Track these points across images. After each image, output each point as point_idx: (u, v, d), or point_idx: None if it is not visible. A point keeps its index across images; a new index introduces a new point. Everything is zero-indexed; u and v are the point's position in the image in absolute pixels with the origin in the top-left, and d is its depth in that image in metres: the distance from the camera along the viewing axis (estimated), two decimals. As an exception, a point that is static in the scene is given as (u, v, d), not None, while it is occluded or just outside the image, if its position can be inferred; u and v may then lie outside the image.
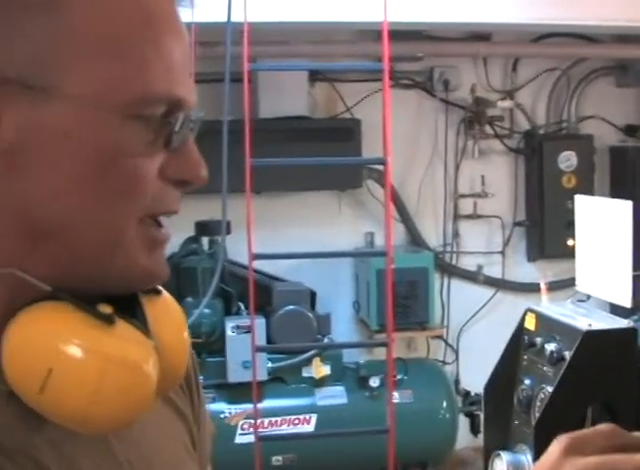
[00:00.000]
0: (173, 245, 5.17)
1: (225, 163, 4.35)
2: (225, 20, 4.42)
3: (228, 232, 5.15)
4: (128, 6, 0.86)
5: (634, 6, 5.39)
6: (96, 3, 0.85)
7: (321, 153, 5.18)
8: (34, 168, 0.85)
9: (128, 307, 0.92)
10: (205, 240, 5.48)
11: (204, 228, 5.38)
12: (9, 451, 0.87)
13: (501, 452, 3.05)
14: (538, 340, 2.99)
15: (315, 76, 5.90)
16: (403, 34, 5.59)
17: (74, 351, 0.85)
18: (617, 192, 6.42)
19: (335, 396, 5.30)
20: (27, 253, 0.88)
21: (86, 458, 0.94)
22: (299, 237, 5.72)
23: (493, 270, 6.37)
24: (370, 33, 5.33)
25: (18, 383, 0.87)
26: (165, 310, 0.98)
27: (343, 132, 5.74)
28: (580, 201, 3.04)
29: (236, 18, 4.41)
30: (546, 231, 6.11)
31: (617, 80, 6.59)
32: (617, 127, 6.59)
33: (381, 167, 5.01)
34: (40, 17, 0.83)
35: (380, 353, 4.97)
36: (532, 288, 5.31)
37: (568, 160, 6.25)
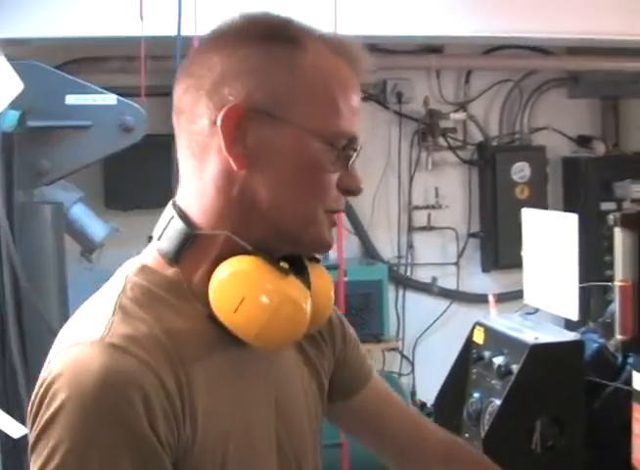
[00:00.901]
0: (128, 260, 5.13)
1: (175, 177, 4.32)
2: (175, 34, 4.41)
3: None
4: (332, 73, 1.39)
5: (585, 18, 5.44)
6: (316, 71, 1.37)
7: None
8: (264, 168, 1.36)
9: (298, 267, 1.42)
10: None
11: (157, 243, 5.35)
12: (187, 360, 1.31)
13: (451, 466, 3.04)
14: (486, 353, 2.98)
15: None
16: (355, 47, 5.60)
17: (261, 288, 1.32)
18: (569, 202, 6.47)
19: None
20: (244, 223, 1.37)
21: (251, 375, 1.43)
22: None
23: (448, 282, 6.38)
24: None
25: (219, 305, 1.34)
26: (320, 274, 1.47)
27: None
28: (527, 214, 3.05)
29: (186, 32, 4.40)
30: (500, 242, 6.13)
31: (568, 92, 6.64)
32: (570, 138, 6.64)
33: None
34: (285, 73, 1.36)
35: (334, 366, 4.95)
36: (487, 299, 5.31)
37: (521, 171, 6.28)
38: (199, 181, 1.41)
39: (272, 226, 1.38)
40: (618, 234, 2.15)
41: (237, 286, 1.33)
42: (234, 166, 1.35)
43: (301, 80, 1.36)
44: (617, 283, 2.17)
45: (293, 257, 1.44)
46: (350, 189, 1.41)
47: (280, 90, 1.35)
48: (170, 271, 1.40)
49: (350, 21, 4.98)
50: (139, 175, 5.33)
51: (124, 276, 1.42)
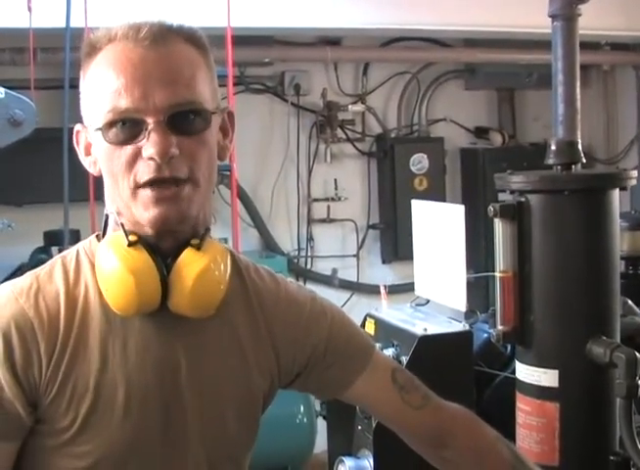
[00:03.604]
0: (23, 256, 5.05)
1: (66, 170, 4.25)
2: (64, 25, 4.33)
3: (77, 241, 5.03)
4: (97, 68, 1.50)
5: (481, 10, 5.49)
6: (91, 74, 1.51)
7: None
8: (101, 169, 1.52)
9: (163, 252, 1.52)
10: (54, 250, 5.35)
11: (52, 238, 5.25)
12: (82, 323, 1.50)
13: (344, 458, 3.05)
14: (377, 345, 2.99)
15: (165, 82, 5.82)
16: (253, 39, 5.57)
17: (108, 264, 1.48)
18: (468, 193, 6.54)
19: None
20: (117, 212, 1.53)
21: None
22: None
23: (348, 273, 6.40)
24: (217, 39, 5.28)
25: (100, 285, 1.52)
26: (192, 261, 1.50)
27: (195, 138, 5.68)
28: (417, 205, 3.06)
29: (76, 23, 4.33)
30: (399, 233, 6.15)
31: (465, 83, 6.72)
32: (467, 129, 6.71)
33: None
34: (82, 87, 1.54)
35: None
36: (388, 290, 5.35)
37: (419, 162, 6.33)
38: None
39: (121, 213, 1.52)
40: (498, 225, 2.17)
41: (99, 264, 1.51)
42: (94, 173, 1.56)
43: (83, 88, 1.54)
44: (498, 274, 2.19)
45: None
46: (146, 155, 1.45)
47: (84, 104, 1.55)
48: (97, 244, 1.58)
49: (247, 13, 4.95)
50: (30, 170, 5.24)
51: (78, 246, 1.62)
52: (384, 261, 6.49)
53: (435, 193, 6.04)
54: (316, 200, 6.31)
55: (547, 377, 2.22)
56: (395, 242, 6.26)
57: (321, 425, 5.53)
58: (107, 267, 1.48)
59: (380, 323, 3.10)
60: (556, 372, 2.21)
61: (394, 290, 4.82)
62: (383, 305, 3.25)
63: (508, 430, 2.50)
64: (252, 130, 5.97)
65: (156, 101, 1.44)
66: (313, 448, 5.53)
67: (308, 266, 6.33)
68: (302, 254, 6.30)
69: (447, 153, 6.55)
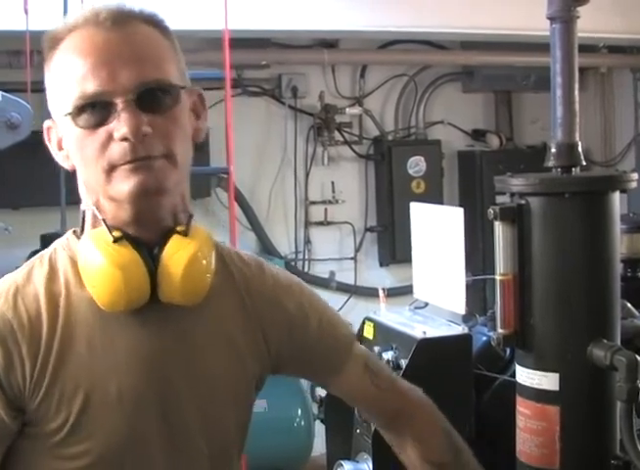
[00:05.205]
0: (19, 258, 5.01)
1: (63, 173, 4.24)
2: (61, 28, 4.32)
3: (74, 244, 5.04)
4: (62, 55, 1.48)
5: (478, 13, 5.49)
6: (56, 64, 1.48)
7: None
8: (73, 159, 1.51)
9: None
10: (51, 253, 5.34)
11: (49, 241, 5.21)
12: (67, 319, 1.48)
13: (342, 462, 3.03)
14: (376, 349, 2.98)
15: (162, 85, 5.82)
16: (250, 42, 5.57)
17: (93, 259, 1.46)
18: (465, 196, 6.54)
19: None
20: (94, 204, 1.53)
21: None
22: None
23: (346, 276, 6.40)
24: (215, 41, 5.27)
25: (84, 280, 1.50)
26: (179, 248, 1.49)
27: (191, 141, 5.68)
28: (416, 208, 3.05)
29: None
30: (397, 236, 6.16)
31: (463, 86, 6.72)
32: (465, 132, 6.71)
33: (228, 176, 4.97)
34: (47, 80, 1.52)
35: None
36: (386, 293, 5.34)
37: (416, 165, 6.33)
38: None
39: (97, 201, 1.52)
40: (498, 228, 2.16)
41: (85, 261, 1.48)
42: (67, 168, 1.55)
43: (49, 81, 1.52)
44: (498, 277, 2.17)
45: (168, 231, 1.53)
46: (119, 136, 1.43)
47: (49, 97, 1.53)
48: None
49: (244, 15, 4.95)
50: (27, 173, 5.22)
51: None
52: (381, 264, 6.49)
53: (433, 196, 6.04)
54: (314, 203, 6.31)
55: (548, 380, 2.21)
56: (393, 245, 6.26)
57: (319, 428, 5.53)
58: (93, 265, 1.46)
59: (378, 326, 3.08)
60: (556, 375, 2.20)
61: (392, 293, 4.79)
62: (381, 307, 3.23)
63: (508, 433, 2.50)
64: (250, 133, 5.96)
65: (123, 81, 1.43)
66: (311, 452, 5.53)
67: (306, 269, 6.33)
68: (300, 256, 6.31)
69: (445, 155, 6.55)
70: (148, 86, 1.45)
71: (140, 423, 1.50)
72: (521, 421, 2.33)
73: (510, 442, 2.44)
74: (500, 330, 2.21)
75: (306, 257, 6.33)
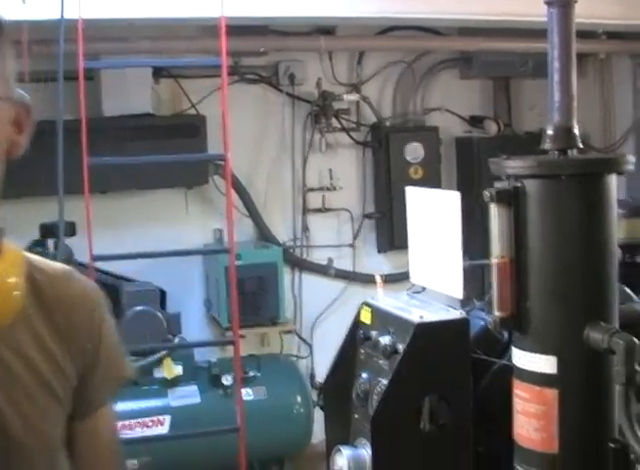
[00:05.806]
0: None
1: (61, 163, 4.24)
2: (58, 16, 4.31)
3: (73, 233, 5.05)
4: None
5: (475, -1, 5.48)
6: None
7: (166, 150, 5.11)
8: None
9: None
10: (50, 242, 5.34)
11: (48, 230, 5.24)
12: None
13: (341, 447, 3.03)
14: (373, 333, 2.98)
15: (160, 73, 5.81)
16: (247, 29, 5.56)
17: None
18: (463, 182, 6.53)
19: (188, 396, 5.22)
20: None
21: None
22: (148, 236, 5.63)
23: (344, 263, 6.39)
24: (212, 29, 5.28)
25: None
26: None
27: (188, 129, 5.67)
28: (411, 193, 3.05)
29: (70, 14, 4.31)
30: (395, 222, 6.14)
31: (460, 72, 6.69)
32: (462, 118, 6.69)
33: (225, 163, 4.96)
34: None
35: (232, 351, 4.93)
36: (384, 279, 5.35)
37: (414, 151, 6.32)
38: None
39: None
40: (494, 210, 2.16)
41: None
42: None
43: None
44: (494, 260, 2.18)
45: None
46: None
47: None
48: None
49: (241, 2, 4.94)
50: (25, 162, 5.20)
51: None
52: (379, 251, 6.48)
53: (431, 182, 6.02)
54: (311, 189, 6.30)
55: (546, 363, 2.21)
56: (391, 231, 6.25)
57: (319, 415, 5.54)
58: None
59: (376, 311, 3.08)
60: (554, 358, 2.20)
61: (390, 279, 4.83)
62: (379, 293, 3.23)
63: (503, 416, 2.50)
64: (247, 120, 5.95)
65: None
66: (310, 438, 5.53)
67: (304, 256, 6.32)
68: (298, 244, 6.29)
69: (442, 142, 6.53)
70: None
71: None
72: (518, 404, 2.34)
73: (509, 425, 2.45)
74: (497, 313, 2.22)
75: (304, 243, 6.31)
